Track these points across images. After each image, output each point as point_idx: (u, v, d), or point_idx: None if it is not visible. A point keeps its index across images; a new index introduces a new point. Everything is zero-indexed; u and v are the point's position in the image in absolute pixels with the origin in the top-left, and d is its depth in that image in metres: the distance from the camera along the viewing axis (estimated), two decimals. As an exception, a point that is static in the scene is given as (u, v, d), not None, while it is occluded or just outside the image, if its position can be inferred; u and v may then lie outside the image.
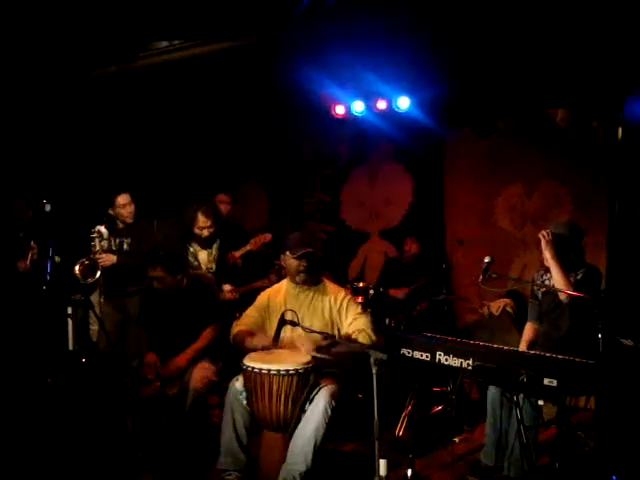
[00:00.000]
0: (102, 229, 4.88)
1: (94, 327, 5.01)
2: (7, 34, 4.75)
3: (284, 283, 4.00)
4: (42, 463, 3.85)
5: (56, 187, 5.63)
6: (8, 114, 5.57)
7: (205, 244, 5.02)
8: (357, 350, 3.66)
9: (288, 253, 3.83)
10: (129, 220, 5.00)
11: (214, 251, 5.07)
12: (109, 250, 4.95)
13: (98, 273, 4.74)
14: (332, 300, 3.84)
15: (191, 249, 5.03)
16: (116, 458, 3.91)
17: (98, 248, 4.83)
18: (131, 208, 5.00)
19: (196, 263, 5.00)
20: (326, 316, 3.82)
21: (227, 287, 5.01)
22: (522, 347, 4.04)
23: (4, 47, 4.89)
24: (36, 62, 5.16)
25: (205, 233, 4.93)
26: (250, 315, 3.95)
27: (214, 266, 5.05)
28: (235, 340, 3.83)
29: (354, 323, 3.78)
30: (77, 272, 4.68)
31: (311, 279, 3.86)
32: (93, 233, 4.87)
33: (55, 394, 4.73)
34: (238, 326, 3.90)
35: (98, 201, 5.15)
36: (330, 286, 3.93)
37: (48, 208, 4.69)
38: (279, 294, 3.94)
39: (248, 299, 4.31)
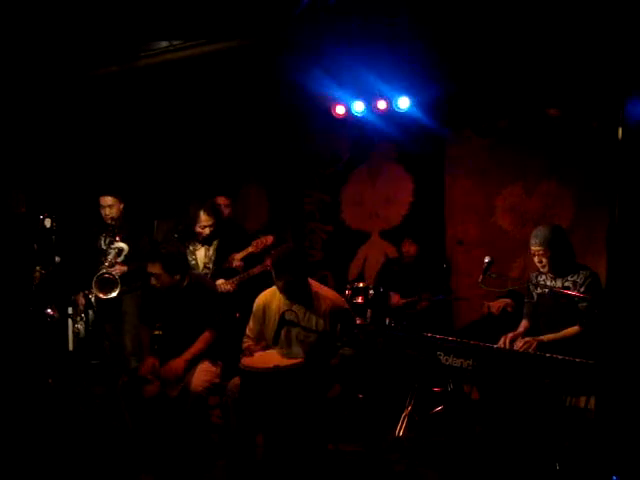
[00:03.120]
0: (124, 246, 4.88)
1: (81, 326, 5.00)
2: (7, 34, 4.76)
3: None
4: (42, 463, 3.86)
5: (56, 187, 5.64)
6: (9, 115, 5.58)
7: (204, 242, 5.04)
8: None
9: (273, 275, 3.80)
10: (109, 221, 4.98)
11: (212, 250, 5.07)
12: (101, 249, 4.95)
13: (118, 289, 4.75)
14: (327, 311, 3.77)
15: (190, 247, 5.04)
16: (116, 458, 3.92)
17: (110, 260, 4.83)
18: (111, 210, 4.97)
19: (193, 262, 5.00)
20: (320, 327, 3.76)
21: (220, 281, 4.98)
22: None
23: (5, 47, 4.89)
24: (38, 63, 5.17)
25: (206, 232, 4.96)
26: (251, 327, 3.98)
27: (212, 266, 5.05)
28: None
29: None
30: (96, 289, 4.71)
31: (296, 294, 3.78)
32: (113, 248, 4.86)
33: (55, 394, 4.73)
34: (246, 342, 3.94)
35: (97, 201, 5.15)
36: (325, 295, 3.85)
37: (48, 224, 4.67)
38: (274, 300, 3.90)
39: (249, 292, 4.28)
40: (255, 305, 3.99)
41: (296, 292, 3.77)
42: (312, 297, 3.81)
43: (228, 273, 5.06)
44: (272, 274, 3.77)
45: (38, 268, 4.76)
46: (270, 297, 3.93)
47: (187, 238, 5.03)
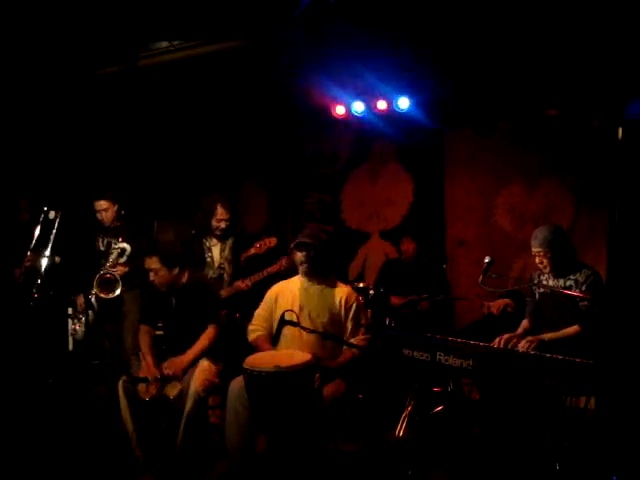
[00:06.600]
0: (126, 246, 4.88)
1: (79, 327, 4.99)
2: (7, 34, 4.76)
3: (297, 278, 4.05)
4: (42, 463, 3.85)
5: (56, 187, 5.64)
6: (10, 115, 5.58)
7: (220, 238, 5.04)
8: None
9: (292, 246, 3.93)
10: (107, 224, 5.01)
11: (227, 249, 5.07)
12: (100, 251, 4.95)
13: (119, 288, 4.75)
14: (343, 300, 3.92)
15: (206, 243, 5.05)
16: (116, 458, 3.91)
17: (112, 261, 4.83)
18: (107, 214, 4.98)
19: (209, 260, 5.01)
20: (334, 312, 3.89)
21: (238, 282, 5.00)
22: None
23: (5, 47, 4.89)
24: (39, 63, 5.17)
25: (222, 225, 5.00)
26: (260, 315, 4.01)
27: (227, 265, 5.05)
28: (255, 345, 3.94)
29: (356, 338, 3.87)
30: (97, 290, 4.71)
31: (315, 270, 3.92)
32: (115, 248, 4.86)
33: (55, 394, 4.73)
34: (254, 331, 3.97)
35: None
36: (343, 286, 4.02)
37: (52, 215, 4.68)
38: (290, 289, 3.98)
39: (260, 292, 4.29)
40: (267, 293, 4.06)
41: (315, 265, 3.88)
42: (332, 280, 3.99)
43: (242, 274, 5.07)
44: (293, 251, 3.92)
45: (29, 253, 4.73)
46: (284, 288, 4.01)
47: (204, 233, 5.05)
